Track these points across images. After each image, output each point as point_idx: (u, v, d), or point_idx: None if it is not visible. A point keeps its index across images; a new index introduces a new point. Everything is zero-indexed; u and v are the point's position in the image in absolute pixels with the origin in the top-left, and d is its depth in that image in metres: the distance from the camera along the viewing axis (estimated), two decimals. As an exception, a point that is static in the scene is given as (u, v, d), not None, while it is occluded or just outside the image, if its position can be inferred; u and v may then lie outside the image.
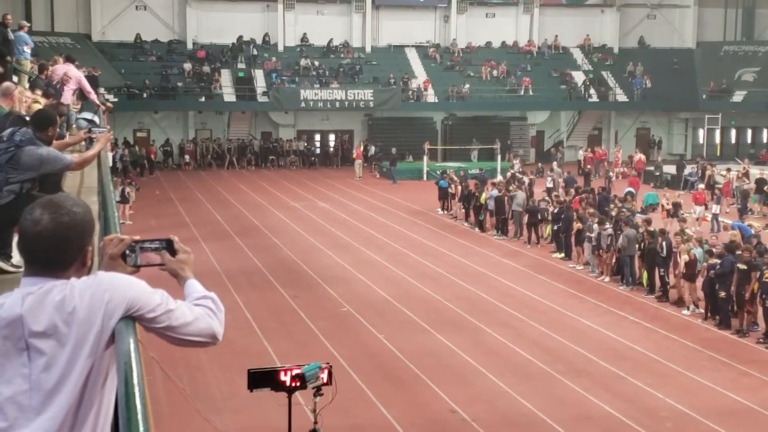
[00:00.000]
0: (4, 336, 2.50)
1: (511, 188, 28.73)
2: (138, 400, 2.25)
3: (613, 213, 24.30)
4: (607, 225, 22.10)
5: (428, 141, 44.32)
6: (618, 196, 28.09)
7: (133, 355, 2.40)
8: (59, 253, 2.60)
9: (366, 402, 13.67)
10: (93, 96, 15.56)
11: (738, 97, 49.94)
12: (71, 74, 14.52)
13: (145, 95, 45.55)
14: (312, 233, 27.93)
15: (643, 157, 44.62)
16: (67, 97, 13.64)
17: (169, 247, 2.89)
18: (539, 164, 44.42)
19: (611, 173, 39.24)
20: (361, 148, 45.08)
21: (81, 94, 15.36)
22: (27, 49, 17.00)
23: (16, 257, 6.06)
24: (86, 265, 2.69)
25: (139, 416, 2.21)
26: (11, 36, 15.95)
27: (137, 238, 2.89)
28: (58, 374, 2.47)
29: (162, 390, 13.45)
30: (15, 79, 15.88)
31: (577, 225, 23.45)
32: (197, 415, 11.95)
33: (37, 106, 9.69)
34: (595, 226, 22.42)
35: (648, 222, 21.56)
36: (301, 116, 49.11)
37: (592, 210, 24.43)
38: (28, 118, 7.10)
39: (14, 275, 5.91)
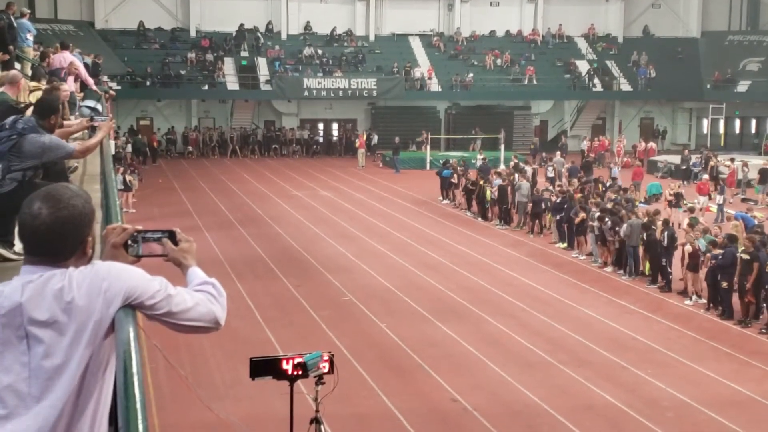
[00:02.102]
0: (3, 324, 2.51)
1: (513, 178, 28.70)
2: (137, 389, 2.26)
3: (609, 205, 24.19)
4: (606, 218, 21.98)
5: (424, 130, 44.11)
6: (619, 186, 28.07)
7: (132, 344, 2.40)
8: (58, 246, 2.61)
9: (368, 391, 13.69)
10: (90, 82, 15.45)
11: (742, 86, 49.83)
12: (68, 60, 14.46)
13: (148, 83, 45.53)
14: (314, 222, 27.93)
15: (654, 145, 44.56)
16: (70, 84, 13.58)
17: (171, 238, 2.90)
18: (543, 153, 44.39)
19: (612, 164, 39.13)
20: (364, 137, 45.02)
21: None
22: (29, 37, 16.98)
23: (19, 245, 6.06)
24: (87, 254, 2.69)
25: (138, 405, 2.22)
26: (15, 24, 15.94)
27: (140, 228, 2.89)
28: (57, 362, 2.48)
29: (165, 377, 13.50)
30: (18, 66, 15.88)
31: (581, 215, 23.38)
32: (199, 402, 11.98)
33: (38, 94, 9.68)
34: (596, 214, 22.40)
35: (656, 213, 21.64)
36: (304, 105, 49.07)
37: (595, 200, 24.40)
38: (21, 107, 7.09)
39: (16, 263, 5.91)
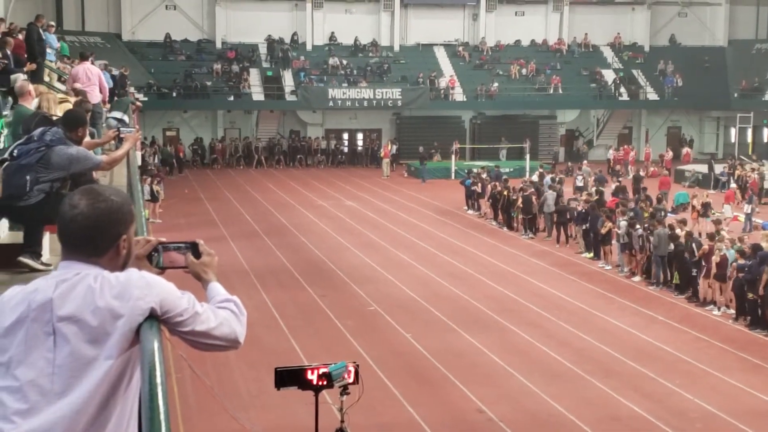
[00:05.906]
0: (32, 319, 2.54)
1: (539, 187, 28.61)
2: (161, 400, 2.27)
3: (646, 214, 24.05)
4: (638, 226, 21.88)
5: (457, 140, 44.36)
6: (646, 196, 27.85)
7: (157, 354, 2.41)
8: (93, 237, 2.64)
9: (393, 401, 13.67)
10: (105, 94, 15.19)
11: (770, 95, 49.35)
12: (93, 72, 14.37)
13: (174, 94, 45.86)
14: (340, 232, 27.97)
15: (689, 150, 44.47)
16: (95, 95, 13.61)
17: (194, 249, 2.93)
18: (568, 163, 44.24)
19: (641, 171, 38.85)
20: (389, 147, 45.05)
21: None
22: (51, 50, 17.11)
23: (46, 255, 6.12)
24: (121, 255, 2.72)
25: (162, 415, 2.23)
26: (44, 36, 16.10)
27: (163, 240, 2.93)
28: (82, 362, 2.50)
29: (191, 387, 13.57)
30: (46, 79, 16.06)
31: (607, 224, 23.20)
32: (225, 412, 12.02)
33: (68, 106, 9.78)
34: (623, 223, 22.26)
35: (683, 222, 21.47)
36: (329, 115, 49.19)
37: (622, 208, 24.24)
38: (54, 118, 7.17)
39: (44, 274, 5.96)
